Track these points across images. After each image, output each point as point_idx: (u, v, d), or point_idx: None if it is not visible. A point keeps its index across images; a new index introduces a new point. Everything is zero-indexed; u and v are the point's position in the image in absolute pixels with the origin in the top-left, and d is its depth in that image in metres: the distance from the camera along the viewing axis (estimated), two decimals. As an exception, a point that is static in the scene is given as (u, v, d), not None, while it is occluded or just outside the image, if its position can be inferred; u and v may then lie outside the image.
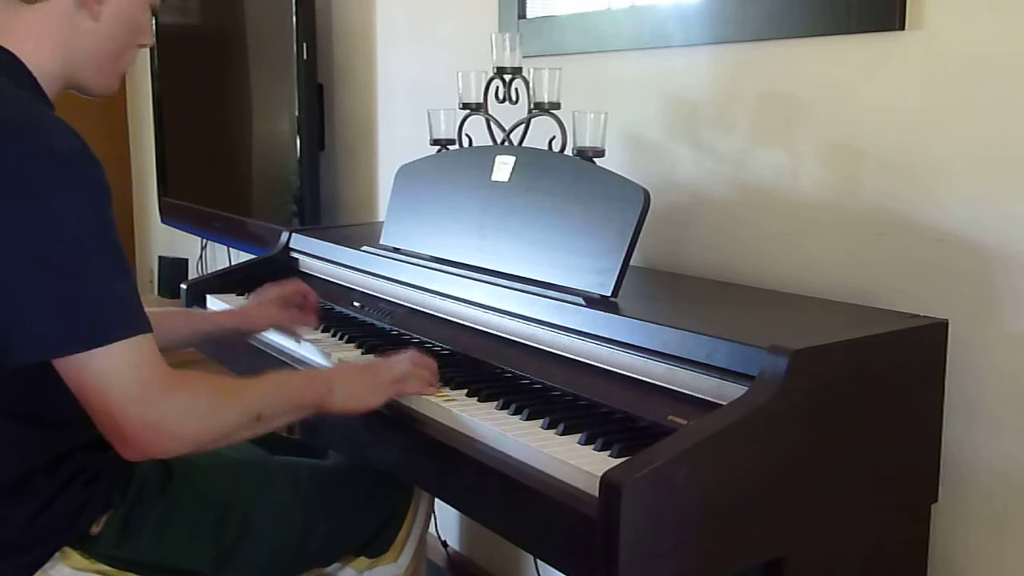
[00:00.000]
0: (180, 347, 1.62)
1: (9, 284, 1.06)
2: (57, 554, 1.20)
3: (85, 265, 1.07)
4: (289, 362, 1.60)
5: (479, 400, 1.31)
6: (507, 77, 1.63)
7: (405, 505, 1.49)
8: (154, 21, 3.25)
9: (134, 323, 1.09)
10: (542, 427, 1.20)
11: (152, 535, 1.26)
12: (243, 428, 1.19)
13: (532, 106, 1.58)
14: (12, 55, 1.18)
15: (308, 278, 1.96)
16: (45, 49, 1.19)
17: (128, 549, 1.24)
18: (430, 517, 1.58)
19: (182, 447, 1.14)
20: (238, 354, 1.74)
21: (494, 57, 1.63)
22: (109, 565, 1.23)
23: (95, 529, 1.22)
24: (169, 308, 1.71)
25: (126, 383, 1.07)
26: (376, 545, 1.46)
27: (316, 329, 1.70)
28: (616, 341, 1.27)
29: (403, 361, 1.35)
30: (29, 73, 1.19)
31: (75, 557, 1.21)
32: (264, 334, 1.70)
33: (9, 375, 1.12)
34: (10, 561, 1.18)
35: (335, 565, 1.44)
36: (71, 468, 1.20)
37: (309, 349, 1.60)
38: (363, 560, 1.45)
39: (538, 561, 2.02)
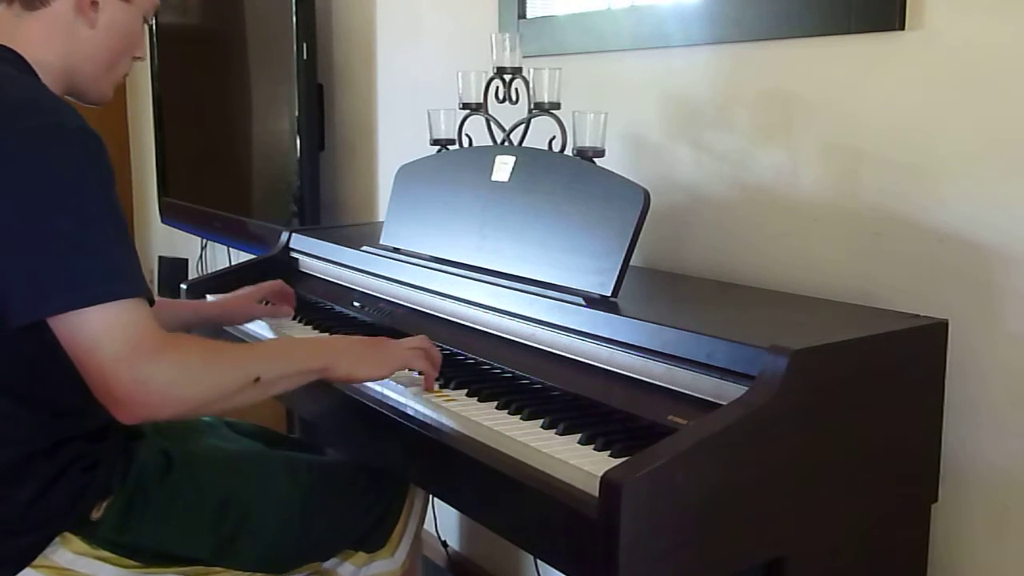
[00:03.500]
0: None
1: (10, 247, 1.08)
2: (58, 539, 1.21)
3: (85, 231, 1.09)
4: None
5: (479, 400, 1.31)
6: (507, 77, 1.63)
7: (400, 500, 1.50)
8: (154, 24, 3.27)
9: (129, 286, 1.10)
10: (542, 427, 1.20)
11: (152, 522, 1.27)
12: (241, 390, 1.18)
13: (532, 106, 1.58)
14: (19, 55, 1.23)
15: (308, 278, 1.97)
16: (47, 54, 1.25)
17: (129, 535, 1.25)
18: (425, 512, 1.58)
19: (175, 408, 1.13)
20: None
21: (494, 57, 1.63)
22: (110, 551, 1.24)
23: (96, 514, 1.23)
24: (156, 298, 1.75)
25: (117, 343, 1.08)
26: (373, 540, 1.47)
27: (289, 317, 1.76)
28: (616, 341, 1.27)
29: (411, 340, 1.36)
30: (35, 73, 1.23)
31: (76, 542, 1.22)
32: (254, 331, 1.73)
33: (17, 358, 1.15)
34: (11, 543, 1.19)
35: (333, 560, 1.44)
36: (71, 454, 1.21)
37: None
38: (361, 555, 1.46)
39: (538, 561, 2.02)
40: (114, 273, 1.10)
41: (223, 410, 1.22)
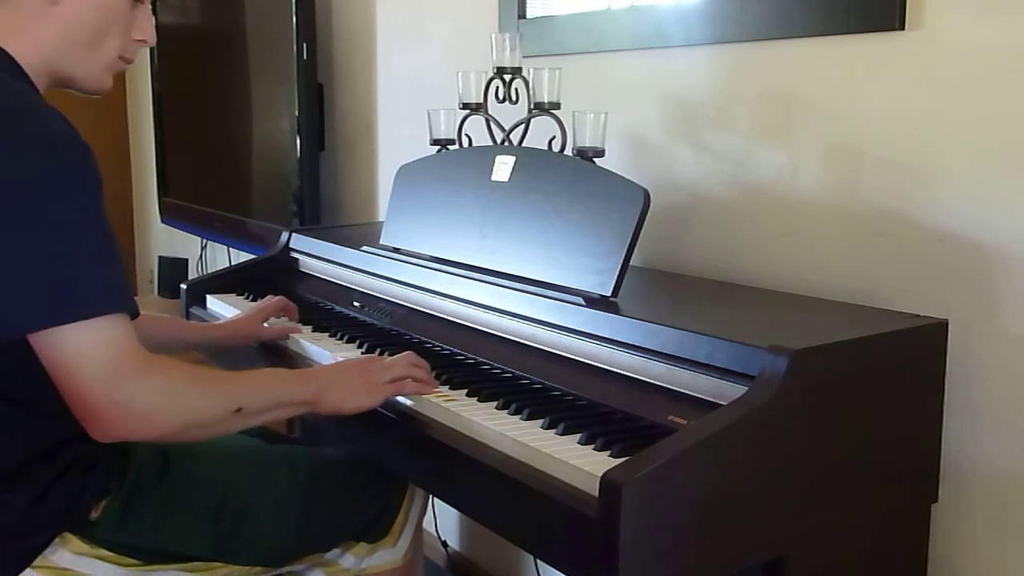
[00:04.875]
0: (163, 351, 1.61)
1: None
2: (57, 539, 1.21)
3: (72, 248, 1.08)
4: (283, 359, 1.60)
5: (479, 400, 1.31)
6: (507, 77, 1.63)
7: (402, 492, 1.50)
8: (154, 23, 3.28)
9: (114, 303, 1.09)
10: (542, 427, 1.20)
11: (151, 520, 1.27)
12: (221, 420, 1.18)
13: (532, 106, 1.58)
14: (3, 50, 1.20)
15: (308, 278, 1.97)
16: (24, 43, 1.21)
17: (127, 533, 1.25)
18: (427, 504, 1.59)
19: (151, 431, 1.12)
20: (236, 353, 1.74)
21: (494, 57, 1.63)
22: (109, 550, 1.24)
23: (94, 514, 1.23)
24: (163, 315, 1.73)
25: (98, 362, 1.07)
26: (375, 531, 1.47)
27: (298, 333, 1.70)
28: (616, 341, 1.27)
29: (399, 361, 1.34)
30: (20, 68, 1.20)
31: (75, 542, 1.22)
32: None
33: (10, 362, 1.14)
34: (10, 546, 1.19)
35: (335, 551, 1.45)
36: (68, 456, 1.21)
37: (307, 347, 1.60)
38: (363, 546, 1.46)
39: (538, 561, 2.02)
40: (99, 289, 1.08)
41: (202, 437, 1.22)
